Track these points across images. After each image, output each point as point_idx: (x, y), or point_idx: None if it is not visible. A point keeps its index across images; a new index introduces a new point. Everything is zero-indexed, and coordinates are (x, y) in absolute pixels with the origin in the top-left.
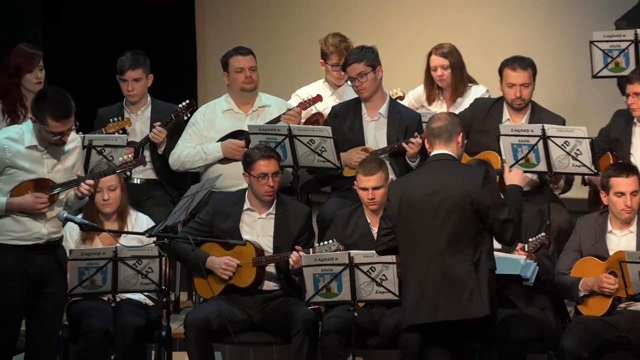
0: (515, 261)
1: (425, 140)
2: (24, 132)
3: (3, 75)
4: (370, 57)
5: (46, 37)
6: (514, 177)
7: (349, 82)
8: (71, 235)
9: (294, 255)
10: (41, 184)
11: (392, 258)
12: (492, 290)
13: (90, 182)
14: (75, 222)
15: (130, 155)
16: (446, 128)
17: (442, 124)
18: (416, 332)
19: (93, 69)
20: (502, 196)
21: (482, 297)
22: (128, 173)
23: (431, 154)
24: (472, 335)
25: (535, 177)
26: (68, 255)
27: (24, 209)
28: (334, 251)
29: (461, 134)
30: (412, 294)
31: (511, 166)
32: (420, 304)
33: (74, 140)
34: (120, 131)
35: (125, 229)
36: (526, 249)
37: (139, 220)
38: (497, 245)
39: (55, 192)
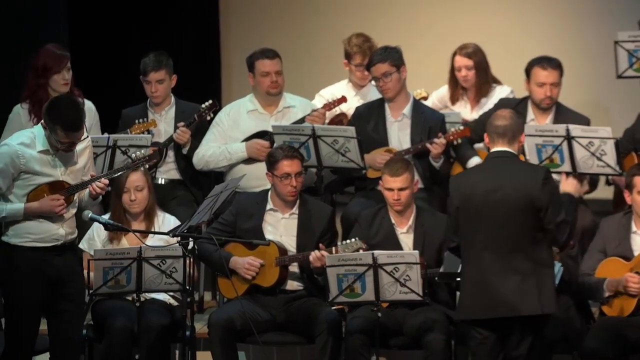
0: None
1: (486, 135)
2: (35, 137)
3: (31, 75)
4: (394, 57)
5: (71, 37)
6: (569, 185)
7: (373, 82)
8: (98, 235)
9: (314, 254)
10: (56, 186)
11: (415, 258)
12: (553, 288)
13: (105, 181)
14: (100, 222)
15: (144, 152)
16: (511, 127)
17: (507, 123)
18: (470, 326)
19: (117, 69)
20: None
21: (542, 295)
22: (153, 174)
23: (491, 151)
24: (528, 333)
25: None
26: (93, 255)
27: (42, 212)
28: (357, 249)
29: (523, 134)
30: (470, 290)
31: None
32: (479, 299)
33: (84, 140)
34: (146, 132)
35: (152, 230)
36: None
37: (166, 221)
38: None
39: (71, 193)
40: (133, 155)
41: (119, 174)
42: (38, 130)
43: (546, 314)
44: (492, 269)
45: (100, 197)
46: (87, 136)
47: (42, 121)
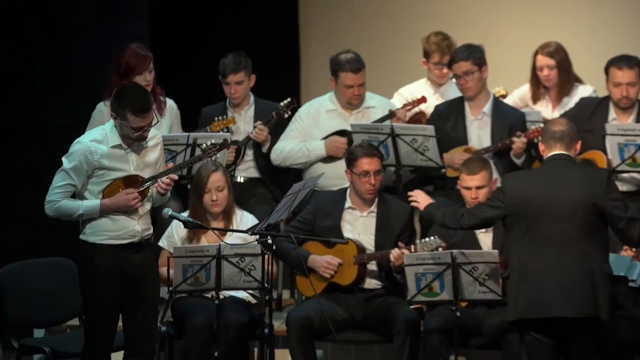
0: (622, 262)
1: (540, 143)
2: (107, 133)
3: (114, 74)
4: (477, 55)
5: (152, 37)
6: None
7: (453, 80)
8: (177, 233)
9: (394, 252)
10: (131, 181)
11: (495, 257)
12: (608, 295)
13: (174, 176)
14: (179, 220)
15: (213, 141)
16: (568, 133)
17: (564, 129)
18: (525, 327)
19: (197, 68)
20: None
21: (598, 299)
22: (232, 172)
23: (549, 155)
24: (583, 336)
25: None
26: (172, 252)
27: (117, 208)
28: (436, 248)
29: (579, 142)
30: (528, 290)
31: (617, 166)
32: (537, 299)
33: (155, 136)
34: (225, 130)
35: (231, 228)
36: (633, 250)
37: (244, 219)
38: None
39: (145, 186)
40: (203, 145)
41: (191, 164)
42: (110, 127)
43: (600, 318)
44: (551, 271)
45: (168, 194)
46: (159, 134)
47: (111, 112)
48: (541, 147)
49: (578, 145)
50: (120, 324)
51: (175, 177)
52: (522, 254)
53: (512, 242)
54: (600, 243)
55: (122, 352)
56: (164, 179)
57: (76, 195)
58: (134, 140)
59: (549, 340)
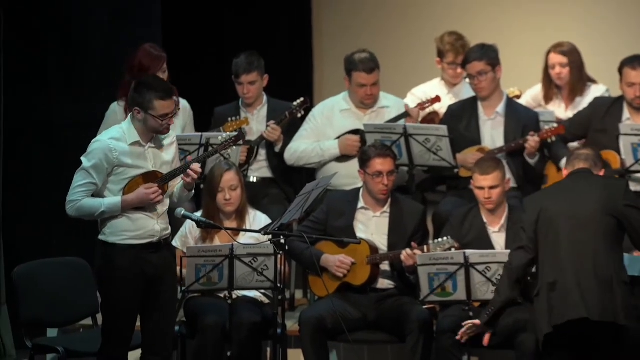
0: (637, 262)
1: (564, 169)
2: (124, 131)
3: (127, 74)
4: (491, 56)
5: (165, 37)
6: None
7: (467, 80)
8: (190, 233)
9: (405, 252)
10: (150, 177)
11: (507, 258)
12: (628, 302)
13: (197, 165)
14: (192, 219)
15: (228, 134)
16: (593, 158)
17: (589, 153)
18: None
19: (210, 68)
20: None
21: (618, 307)
22: (245, 172)
23: (573, 170)
24: (604, 343)
25: None
26: (185, 252)
27: (138, 203)
28: (449, 248)
29: (603, 170)
30: (554, 299)
31: (631, 166)
32: (564, 306)
33: (170, 135)
34: (238, 130)
35: (244, 228)
36: None
37: (257, 219)
38: None
39: (165, 181)
40: (219, 137)
41: (209, 157)
42: (127, 125)
43: (621, 324)
44: (572, 283)
45: (193, 191)
46: (173, 134)
47: (134, 108)
48: (564, 173)
49: (602, 173)
50: (137, 323)
51: (199, 169)
52: (546, 268)
53: (540, 259)
54: (619, 251)
55: (138, 350)
56: (194, 166)
57: (96, 195)
58: (160, 132)
59: (575, 348)
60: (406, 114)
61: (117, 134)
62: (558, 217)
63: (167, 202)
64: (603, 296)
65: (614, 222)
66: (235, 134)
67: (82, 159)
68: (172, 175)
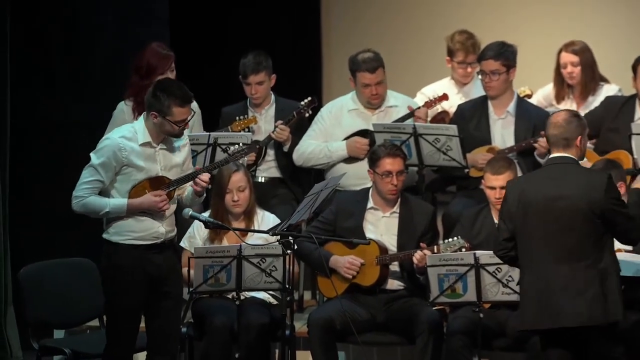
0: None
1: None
2: (136, 130)
3: (134, 74)
4: (508, 57)
5: (172, 36)
6: None
7: (479, 76)
8: (199, 233)
9: (417, 254)
10: (157, 182)
11: None
12: (619, 295)
13: (207, 175)
14: (200, 220)
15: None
16: (562, 135)
17: (557, 132)
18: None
19: (217, 67)
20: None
21: (609, 303)
22: (253, 172)
23: (550, 156)
24: (598, 340)
25: None
26: (193, 253)
27: (144, 209)
28: (459, 248)
29: (580, 137)
30: (532, 299)
31: None
32: (541, 309)
33: (183, 137)
34: (246, 129)
35: (252, 228)
36: None
37: (266, 219)
38: (627, 247)
39: (173, 188)
40: (231, 148)
41: (219, 167)
42: (138, 125)
43: (612, 322)
44: (555, 278)
45: (204, 194)
46: (185, 135)
47: (152, 111)
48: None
49: (578, 141)
50: (142, 324)
51: (207, 178)
52: (524, 263)
53: (520, 253)
54: (604, 244)
55: (144, 352)
56: (202, 175)
57: (102, 192)
58: (174, 135)
59: (565, 349)
60: (412, 113)
61: (128, 133)
62: (535, 211)
63: (173, 206)
64: (592, 298)
65: (597, 215)
66: (241, 133)
67: (92, 155)
68: (180, 182)
